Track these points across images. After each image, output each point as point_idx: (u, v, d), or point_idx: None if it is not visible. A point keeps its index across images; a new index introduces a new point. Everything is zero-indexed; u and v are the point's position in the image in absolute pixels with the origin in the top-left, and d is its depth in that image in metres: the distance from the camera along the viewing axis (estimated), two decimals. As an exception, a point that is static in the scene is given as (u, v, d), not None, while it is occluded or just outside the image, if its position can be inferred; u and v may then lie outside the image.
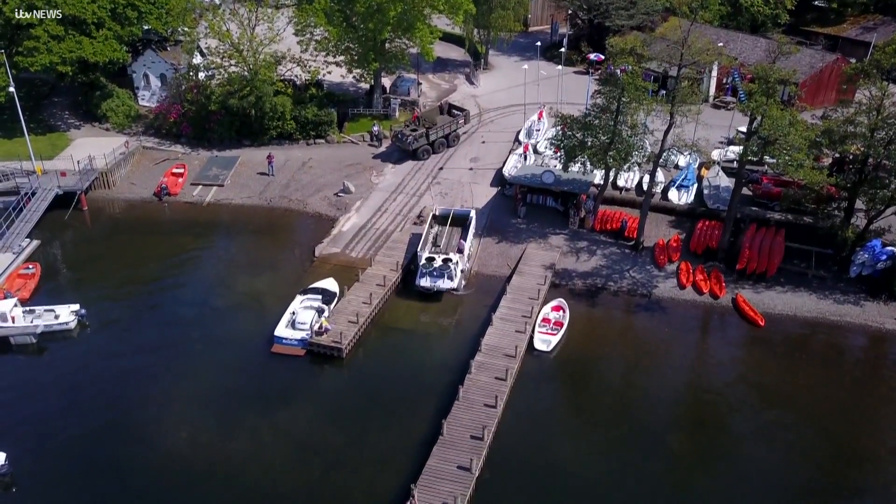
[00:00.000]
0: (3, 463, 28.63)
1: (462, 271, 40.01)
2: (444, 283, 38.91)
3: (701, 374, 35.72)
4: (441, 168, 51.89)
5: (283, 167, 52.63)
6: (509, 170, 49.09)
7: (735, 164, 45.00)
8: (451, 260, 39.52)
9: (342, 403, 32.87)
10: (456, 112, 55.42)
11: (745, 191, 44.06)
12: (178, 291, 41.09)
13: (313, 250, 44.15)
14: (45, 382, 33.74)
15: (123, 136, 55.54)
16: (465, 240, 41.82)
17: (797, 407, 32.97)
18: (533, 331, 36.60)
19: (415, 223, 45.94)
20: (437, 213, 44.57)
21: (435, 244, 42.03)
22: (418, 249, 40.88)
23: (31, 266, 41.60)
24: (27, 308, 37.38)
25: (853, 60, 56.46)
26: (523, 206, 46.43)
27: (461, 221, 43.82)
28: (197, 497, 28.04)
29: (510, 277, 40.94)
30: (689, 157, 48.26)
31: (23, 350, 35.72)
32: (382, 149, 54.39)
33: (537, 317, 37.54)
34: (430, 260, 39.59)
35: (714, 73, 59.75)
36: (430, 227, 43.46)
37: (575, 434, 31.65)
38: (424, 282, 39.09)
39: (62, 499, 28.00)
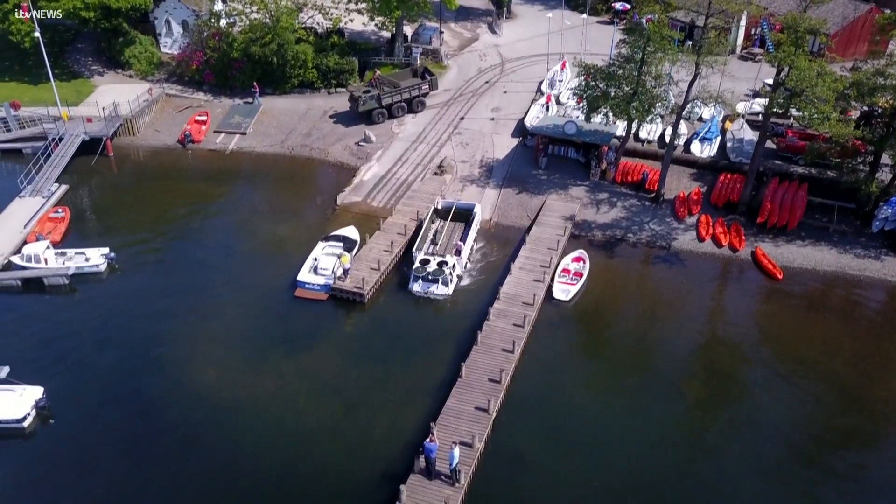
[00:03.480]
0: (41, 397, 30.00)
1: (458, 276, 37.13)
2: (437, 290, 35.96)
3: (717, 324, 36.15)
4: (462, 118, 51.78)
5: (305, 115, 52.81)
6: (531, 120, 48.92)
7: (760, 117, 44.49)
8: (446, 263, 36.59)
9: (364, 346, 33.79)
10: (426, 76, 53.18)
11: (769, 144, 43.66)
12: (204, 237, 41.95)
13: (335, 199, 44.65)
14: (78, 321, 34.94)
15: (146, 82, 55.86)
16: (465, 240, 38.97)
17: (812, 357, 33.35)
18: (552, 280, 37.07)
19: (435, 174, 46.13)
20: (438, 207, 41.62)
21: (433, 242, 39.53)
22: (414, 249, 38.16)
23: (60, 210, 42.60)
24: (59, 250, 38.49)
25: (888, 11, 54.88)
26: (544, 157, 46.39)
27: (464, 217, 41.15)
28: (224, 433, 29.20)
29: (530, 228, 41.24)
30: (713, 109, 47.72)
31: (56, 291, 36.90)
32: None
33: (557, 267, 37.96)
34: (425, 263, 36.82)
35: (742, 24, 58.46)
36: (431, 221, 40.70)
37: (590, 379, 32.40)
38: (417, 286, 36.20)
39: (97, 431, 29.33)
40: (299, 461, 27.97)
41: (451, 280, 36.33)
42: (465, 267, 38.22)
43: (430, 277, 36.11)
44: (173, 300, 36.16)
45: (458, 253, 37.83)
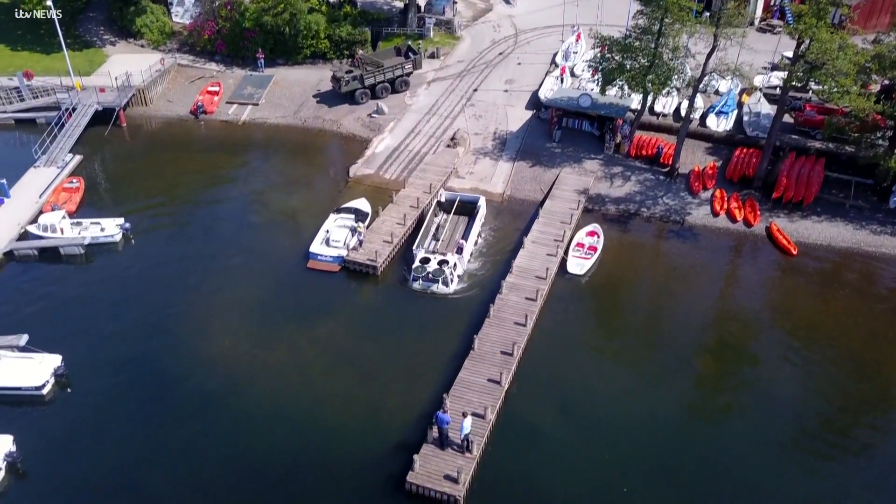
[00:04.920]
0: (59, 364, 30.44)
1: (459, 276, 35.75)
2: (437, 289, 34.86)
3: (730, 300, 36.09)
4: (476, 90, 51.33)
5: (318, 86, 52.49)
6: (545, 92, 48.44)
7: (778, 91, 43.87)
8: (447, 262, 35.33)
9: (377, 318, 34.01)
10: (410, 55, 51.83)
11: (786, 118, 43.10)
12: (217, 208, 42.11)
13: (347, 171, 44.58)
14: (95, 291, 35.31)
15: (158, 52, 55.61)
16: (467, 237, 37.53)
17: (825, 333, 33.29)
18: (566, 254, 37.01)
19: (448, 146, 45.89)
20: (442, 200, 40.35)
21: (435, 237, 38.25)
22: (415, 246, 36.95)
23: (74, 180, 42.73)
24: (74, 220, 38.75)
25: (911, -18, 53.65)
26: (558, 130, 46.02)
27: (469, 210, 39.74)
28: (238, 402, 29.57)
29: (543, 201, 41.09)
30: (730, 82, 47.06)
31: (72, 260, 37.20)
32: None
33: (571, 241, 37.86)
34: (425, 261, 35.53)
35: (762, -6, 57.35)
36: (434, 214, 39.54)
37: (602, 352, 32.56)
38: (417, 285, 35.10)
39: (114, 399, 29.79)
40: (313, 431, 28.35)
41: (451, 280, 35.05)
42: (467, 265, 36.79)
43: (430, 277, 34.93)
44: (187, 271, 36.44)
45: (459, 251, 36.42)
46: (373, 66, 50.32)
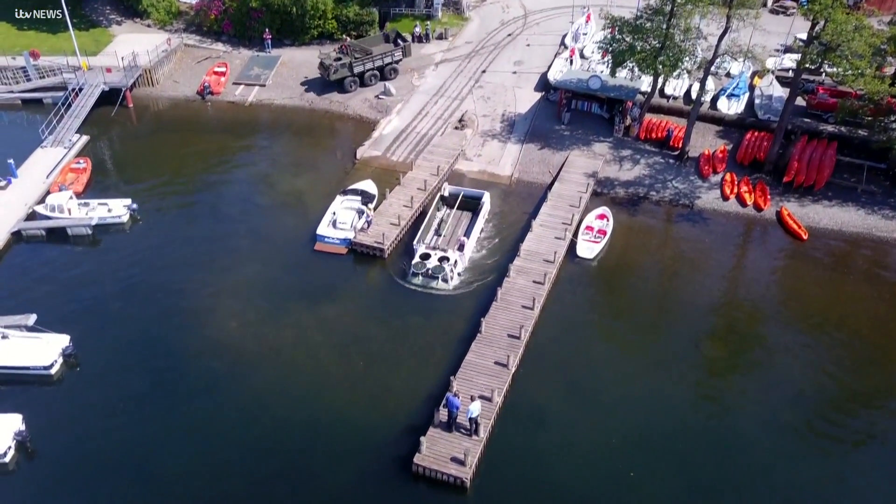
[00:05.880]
0: (68, 345, 30.52)
1: (459, 274, 34.81)
2: (437, 285, 34.01)
3: (739, 284, 35.83)
4: (484, 71, 50.89)
5: (325, 68, 52.16)
6: (554, 74, 47.97)
7: (790, 73, 43.31)
8: (447, 259, 34.53)
9: (384, 300, 33.94)
10: (399, 43, 50.95)
11: (798, 101, 42.56)
12: (224, 189, 41.97)
13: (354, 153, 44.34)
14: (102, 271, 35.29)
15: (165, 32, 55.30)
16: (470, 234, 36.52)
17: (835, 319, 33.05)
18: (575, 238, 36.78)
19: (456, 128, 45.56)
20: (445, 195, 39.34)
21: (437, 233, 37.30)
22: (415, 242, 35.94)
23: (81, 161, 42.66)
24: (82, 201, 38.69)
25: (928, -37, 52.74)
26: (567, 112, 45.60)
27: (473, 205, 38.71)
28: (246, 383, 29.62)
29: (551, 184, 40.80)
30: (742, 64, 46.47)
31: (79, 241, 37.20)
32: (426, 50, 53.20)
33: (580, 224, 37.61)
34: (425, 257, 34.79)
35: (775, -25, 56.52)
36: (437, 209, 38.54)
37: (610, 336, 32.45)
38: (416, 281, 34.29)
39: (122, 379, 29.84)
40: (320, 412, 28.38)
41: (451, 277, 34.19)
42: (468, 262, 35.89)
43: (430, 273, 34.15)
44: (195, 252, 36.38)
45: (461, 248, 35.50)
46: (361, 53, 49.54)
